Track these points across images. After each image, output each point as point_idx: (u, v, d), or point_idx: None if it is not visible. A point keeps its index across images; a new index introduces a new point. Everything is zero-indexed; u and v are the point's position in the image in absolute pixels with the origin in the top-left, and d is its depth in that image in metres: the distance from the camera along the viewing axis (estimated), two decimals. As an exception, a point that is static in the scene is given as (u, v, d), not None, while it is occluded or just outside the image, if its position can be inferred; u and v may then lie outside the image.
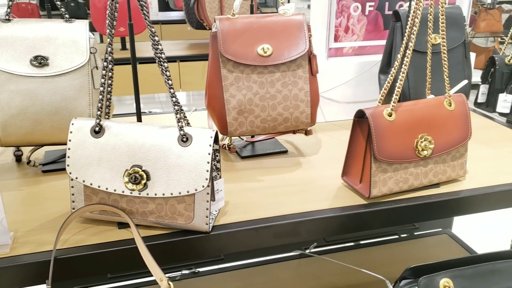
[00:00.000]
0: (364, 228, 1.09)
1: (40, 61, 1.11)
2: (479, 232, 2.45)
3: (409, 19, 1.10)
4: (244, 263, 1.69)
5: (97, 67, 1.17)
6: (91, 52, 1.15)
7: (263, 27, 1.21)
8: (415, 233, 1.96)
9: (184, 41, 3.33)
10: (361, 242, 1.88)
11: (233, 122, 1.23)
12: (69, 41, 1.14)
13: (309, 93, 1.24)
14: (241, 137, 1.39)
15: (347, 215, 1.06)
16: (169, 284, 0.87)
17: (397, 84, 1.08)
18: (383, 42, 1.53)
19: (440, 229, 1.97)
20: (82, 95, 1.15)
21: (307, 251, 1.71)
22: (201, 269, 1.61)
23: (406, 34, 1.10)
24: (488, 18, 5.00)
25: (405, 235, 1.95)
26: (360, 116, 1.08)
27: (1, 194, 0.88)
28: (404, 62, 1.09)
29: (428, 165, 1.12)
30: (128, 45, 2.99)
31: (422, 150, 1.09)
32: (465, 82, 1.28)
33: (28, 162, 1.24)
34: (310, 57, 1.24)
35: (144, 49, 2.74)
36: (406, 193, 1.12)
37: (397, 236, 1.93)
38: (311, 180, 1.19)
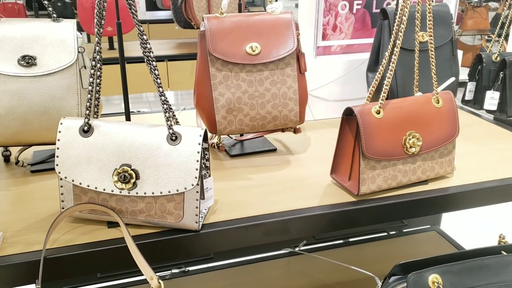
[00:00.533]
0: (353, 225, 1.10)
1: (28, 60, 1.11)
2: (467, 228, 2.48)
3: (397, 16, 1.11)
4: (234, 262, 1.69)
5: (85, 67, 1.16)
6: (79, 52, 1.14)
7: (251, 25, 1.22)
8: (404, 230, 1.98)
9: (172, 41, 3.32)
10: (350, 239, 1.89)
11: (222, 121, 1.23)
12: (57, 41, 1.13)
13: (298, 91, 1.25)
14: (230, 135, 1.40)
15: (336, 213, 1.07)
16: (159, 283, 0.87)
17: (385, 82, 1.09)
18: (370, 40, 1.55)
19: (429, 226, 1.99)
20: (70, 95, 1.15)
21: (297, 249, 1.72)
22: (191, 268, 1.61)
23: (393, 32, 1.11)
24: (475, 16, 5.06)
25: (394, 232, 1.97)
26: (348, 114, 1.09)
27: (-11, 195, 0.88)
28: (392, 59, 1.10)
29: (416, 162, 1.13)
30: (115, 45, 2.98)
31: (410, 147, 1.10)
32: (452, 79, 1.30)
33: (17, 162, 1.23)
34: (298, 56, 1.24)
35: (132, 48, 2.72)
36: (395, 190, 1.13)
37: (386, 234, 1.95)
38: (300, 178, 1.20)
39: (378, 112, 1.08)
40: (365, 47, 1.64)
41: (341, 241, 1.87)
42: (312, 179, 1.19)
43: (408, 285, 0.96)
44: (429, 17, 1.14)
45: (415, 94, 1.21)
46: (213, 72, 1.20)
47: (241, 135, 1.41)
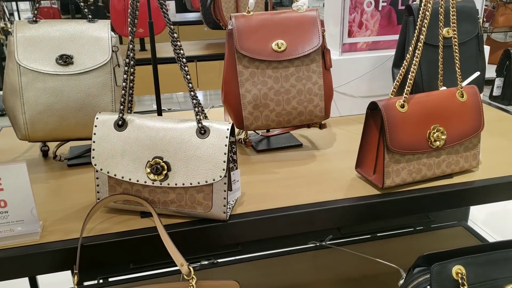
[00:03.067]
0: (377, 217, 1.12)
1: (65, 59, 1.17)
2: (494, 224, 2.44)
3: (420, 12, 1.12)
4: (260, 254, 1.73)
5: (118, 65, 1.22)
6: (113, 51, 1.20)
7: (277, 23, 1.25)
8: (431, 226, 1.97)
9: (201, 42, 3.38)
10: (377, 234, 1.90)
11: (249, 117, 1.26)
12: (93, 40, 1.19)
13: (323, 87, 1.27)
14: (256, 131, 1.43)
15: (361, 205, 1.09)
16: (189, 269, 0.91)
17: (409, 76, 1.10)
18: (396, 37, 1.56)
19: (456, 222, 1.98)
20: (105, 92, 1.20)
21: (323, 242, 1.74)
22: (219, 260, 1.66)
23: (417, 27, 1.13)
24: (507, 12, 4.94)
25: (420, 227, 1.96)
26: (373, 108, 1.11)
27: (31, 186, 0.94)
28: (416, 54, 1.12)
29: (441, 156, 1.14)
30: (147, 46, 3.06)
31: (435, 141, 1.11)
32: (477, 74, 1.30)
33: (54, 157, 1.30)
34: (323, 52, 1.27)
35: (162, 49, 2.79)
36: (419, 183, 1.14)
37: (412, 229, 1.95)
38: (326, 172, 1.22)
39: (402, 106, 1.09)
40: (391, 43, 1.65)
41: (367, 236, 1.88)
42: (337, 173, 1.22)
43: (432, 276, 0.98)
44: (452, 13, 1.14)
45: (439, 88, 1.22)
46: (240, 69, 1.24)
47: (268, 130, 1.44)
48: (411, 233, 1.91)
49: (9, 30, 3.90)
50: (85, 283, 1.73)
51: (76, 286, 0.88)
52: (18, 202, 0.94)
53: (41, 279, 1.74)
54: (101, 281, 1.72)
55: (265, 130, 1.43)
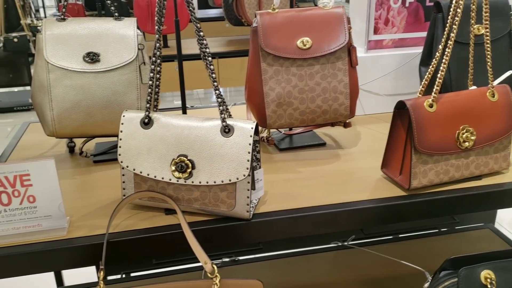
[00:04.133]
0: (403, 219, 1.10)
1: (92, 57, 1.18)
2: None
3: (451, 9, 1.09)
4: (282, 253, 1.72)
5: (144, 63, 1.23)
6: (138, 49, 1.20)
7: (303, 20, 1.24)
8: (456, 228, 1.94)
9: (223, 38, 3.38)
10: (400, 235, 1.87)
11: (272, 115, 1.26)
12: (119, 38, 1.20)
13: (349, 85, 1.26)
14: (279, 129, 1.42)
15: (386, 206, 1.07)
16: (213, 267, 0.91)
17: (438, 75, 1.08)
18: (424, 34, 1.53)
19: (482, 224, 1.94)
20: (130, 90, 1.21)
21: (346, 243, 1.73)
22: (241, 258, 1.66)
23: (447, 25, 1.10)
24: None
25: (445, 229, 1.93)
26: (400, 108, 1.09)
27: (59, 182, 0.95)
28: (446, 53, 1.09)
29: (469, 157, 1.12)
30: (169, 43, 3.08)
31: (464, 141, 1.09)
32: (509, 72, 1.26)
33: (81, 153, 1.31)
34: (349, 49, 1.25)
35: (184, 46, 2.80)
36: (447, 185, 1.12)
37: (436, 230, 1.91)
38: (350, 172, 1.21)
39: (431, 106, 1.07)
40: (418, 41, 1.62)
41: (390, 237, 1.86)
42: (362, 173, 1.20)
43: (459, 280, 0.96)
44: (485, 9, 1.11)
45: (469, 88, 1.19)
46: (264, 67, 1.24)
47: (290, 129, 1.43)
48: (436, 234, 1.88)
49: (36, 26, 3.98)
50: (109, 277, 1.75)
51: (102, 282, 0.89)
52: (46, 198, 0.95)
53: (65, 272, 1.77)
54: (124, 276, 1.74)
55: (288, 129, 1.42)
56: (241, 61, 3.01)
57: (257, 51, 1.24)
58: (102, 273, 0.89)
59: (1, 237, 0.95)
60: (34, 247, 0.93)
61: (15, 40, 3.85)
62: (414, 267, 1.33)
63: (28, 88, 4.78)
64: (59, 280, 1.75)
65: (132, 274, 1.75)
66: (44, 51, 1.17)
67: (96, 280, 1.57)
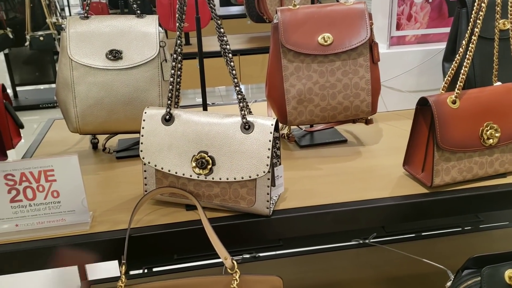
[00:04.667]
0: (425, 217, 1.09)
1: (115, 54, 1.20)
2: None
3: (475, 3, 1.07)
4: (302, 250, 1.72)
5: (166, 60, 1.24)
6: (160, 46, 1.21)
7: (324, 16, 1.23)
8: (480, 226, 1.90)
9: (244, 35, 3.39)
10: (422, 233, 1.85)
11: (293, 112, 1.25)
12: (141, 35, 1.22)
13: (370, 82, 1.24)
14: (300, 126, 1.42)
15: (408, 204, 1.06)
16: (233, 263, 0.92)
17: (462, 71, 1.06)
18: (447, 30, 1.50)
19: (507, 223, 1.89)
20: (152, 87, 1.23)
21: (367, 240, 1.71)
22: (261, 254, 1.66)
23: (471, 20, 1.08)
24: None
25: (468, 227, 1.89)
26: (423, 104, 1.07)
27: (82, 178, 0.97)
28: (469, 48, 1.07)
29: (493, 154, 1.09)
30: (191, 40, 3.10)
31: (488, 138, 1.07)
32: (536, 68, 1.23)
33: (104, 149, 1.34)
34: (371, 45, 1.24)
35: (204, 43, 2.82)
36: (470, 182, 1.10)
37: (460, 229, 1.88)
38: (371, 169, 1.20)
39: (454, 102, 1.05)
40: (441, 36, 1.59)
41: (412, 235, 1.84)
42: (383, 170, 1.19)
43: (483, 279, 0.94)
44: (510, 3, 1.09)
45: (494, 84, 1.17)
46: (284, 63, 1.23)
47: (311, 126, 1.43)
48: (459, 233, 1.85)
49: (61, 25, 4.05)
50: (131, 272, 1.78)
51: (123, 276, 0.90)
52: (70, 193, 0.97)
53: (89, 266, 1.81)
54: (146, 271, 1.76)
55: (309, 125, 1.42)
56: (262, 58, 3.01)
57: (277, 48, 1.24)
58: (124, 267, 0.91)
59: (26, 231, 0.97)
60: (58, 241, 0.95)
61: (41, 38, 3.93)
62: (436, 266, 1.31)
63: (53, 85, 4.87)
64: (82, 274, 1.79)
65: (154, 269, 1.78)
66: (68, 48, 1.20)
67: (117, 275, 1.59)
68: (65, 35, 1.21)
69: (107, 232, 0.98)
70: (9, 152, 1.26)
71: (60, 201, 0.97)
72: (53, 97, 4.84)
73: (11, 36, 4.19)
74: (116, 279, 1.68)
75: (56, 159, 0.95)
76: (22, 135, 1.37)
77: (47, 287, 2.11)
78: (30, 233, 0.97)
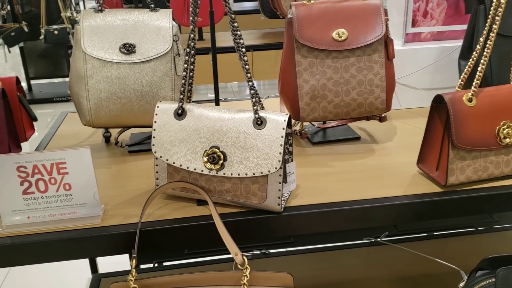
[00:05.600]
0: (439, 216, 1.07)
1: (128, 48, 1.20)
2: None
3: (494, 0, 1.05)
4: (313, 247, 1.71)
5: (179, 54, 1.23)
6: (173, 40, 1.21)
7: (339, 11, 1.22)
8: (494, 226, 1.87)
9: (258, 31, 3.38)
10: (435, 233, 1.83)
11: (306, 108, 1.24)
12: (154, 29, 1.21)
13: (385, 78, 1.23)
14: (312, 123, 1.41)
15: (422, 202, 1.04)
16: (243, 259, 0.91)
17: (479, 69, 1.04)
18: (464, 27, 1.47)
19: (523, 224, 1.87)
20: (165, 81, 1.22)
21: (379, 239, 1.70)
22: (271, 251, 1.66)
23: (489, 17, 1.06)
24: None
25: (482, 227, 1.87)
26: (438, 102, 1.06)
27: (94, 171, 0.97)
28: (487, 45, 1.05)
29: (510, 154, 1.07)
30: (204, 36, 3.09)
31: (504, 137, 1.05)
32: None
33: (116, 143, 1.34)
34: (386, 42, 1.22)
35: (219, 39, 2.81)
36: (485, 181, 1.08)
37: (473, 229, 1.86)
38: (385, 167, 1.19)
39: (470, 100, 1.03)
40: (458, 34, 1.56)
41: (424, 234, 1.82)
42: (397, 168, 1.17)
43: (497, 280, 0.92)
44: (531, -1, 1.06)
45: (511, 82, 1.14)
46: (298, 59, 1.22)
47: (324, 122, 1.42)
48: (472, 233, 1.82)
49: (76, 19, 4.08)
50: (141, 266, 1.79)
51: (134, 269, 0.90)
52: (82, 186, 0.97)
53: (100, 259, 1.82)
54: (156, 265, 1.77)
55: (321, 122, 1.41)
56: (275, 54, 3.00)
57: (291, 43, 1.23)
58: (134, 261, 0.91)
59: (38, 223, 0.98)
60: (69, 234, 0.96)
61: (56, 32, 3.96)
62: (449, 266, 1.29)
63: (67, 79, 4.91)
64: (93, 267, 1.80)
65: (164, 264, 1.78)
66: (82, 42, 1.20)
67: (127, 268, 1.59)
68: (79, 28, 1.21)
69: (118, 225, 0.98)
70: (22, 145, 1.27)
71: (72, 194, 0.97)
72: (67, 90, 4.87)
73: (26, 30, 4.23)
74: (126, 272, 1.69)
75: (69, 151, 0.95)
76: (35, 128, 1.38)
77: (58, 280, 2.14)
78: (42, 225, 0.97)
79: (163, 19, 1.22)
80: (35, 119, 1.39)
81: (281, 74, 1.28)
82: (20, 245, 0.93)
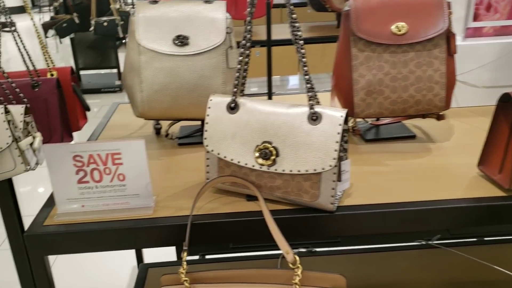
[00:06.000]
0: (500, 221, 1.01)
1: (182, 40, 1.19)
2: None
3: None
4: (361, 248, 1.66)
5: (231, 47, 1.22)
6: (227, 32, 1.20)
7: (399, 4, 1.17)
8: (556, 234, 1.77)
9: (304, 24, 3.33)
10: (490, 237, 1.74)
11: (360, 103, 1.20)
12: (208, 21, 1.20)
13: (445, 75, 1.17)
14: (366, 119, 1.36)
15: (483, 206, 0.99)
16: (295, 258, 0.89)
17: (552, 66, 0.97)
18: (531, 21, 1.39)
19: None
20: (217, 74, 1.21)
21: (430, 242, 1.64)
22: (317, 249, 1.63)
23: None
24: None
25: (542, 235, 1.77)
26: (505, 101, 0.99)
27: (148, 162, 0.97)
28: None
29: None
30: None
31: None
32: None
33: (166, 135, 1.34)
34: (448, 36, 1.16)
35: (259, 32, 2.79)
36: (555, 187, 1.01)
37: (532, 236, 1.76)
38: (442, 168, 1.13)
39: (541, 100, 0.96)
40: (523, 28, 1.48)
41: (479, 239, 1.74)
42: (455, 169, 1.12)
43: None
44: None
45: None
46: (354, 52, 1.18)
47: (377, 119, 1.37)
48: (530, 240, 1.73)
49: (125, 11, 4.15)
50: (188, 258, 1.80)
51: (185, 262, 0.90)
52: (135, 177, 0.98)
53: (145, 249, 1.84)
54: (201, 257, 1.78)
55: (375, 119, 1.36)
56: (322, 48, 2.95)
57: (347, 36, 1.19)
58: (185, 254, 0.90)
59: (92, 212, 0.99)
60: (123, 224, 0.96)
61: (105, 24, 4.05)
62: (504, 272, 1.23)
63: (114, 70, 5.03)
64: (139, 256, 1.83)
65: (208, 256, 1.79)
66: (136, 33, 1.20)
67: (172, 259, 1.61)
68: (134, 19, 1.22)
69: (169, 217, 0.98)
70: (74, 134, 1.30)
71: (126, 185, 0.98)
72: (114, 81, 5.00)
73: (77, 21, 4.35)
74: (172, 263, 1.71)
75: (124, 143, 0.95)
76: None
77: (102, 267, 2.19)
78: (95, 214, 0.98)
79: (217, 10, 1.21)
80: (88, 109, 1.41)
81: (335, 67, 1.24)
82: (74, 233, 0.95)
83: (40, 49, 1.39)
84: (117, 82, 4.97)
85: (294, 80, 5.02)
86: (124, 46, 5.73)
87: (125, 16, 4.07)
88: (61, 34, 4.31)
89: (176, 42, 1.19)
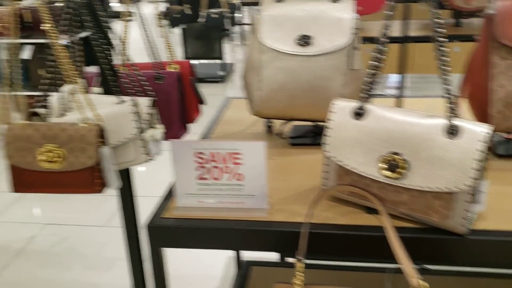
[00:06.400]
0: None
1: (305, 40, 1.15)
2: None
3: None
4: (477, 271, 1.52)
5: (354, 47, 1.16)
6: (354, 33, 1.14)
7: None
8: None
9: (415, 21, 3.14)
10: None
11: (497, 116, 1.08)
12: (334, 21, 1.15)
13: None
14: (499, 132, 1.23)
15: None
16: (419, 283, 0.82)
17: None
18: None
19: None
20: (336, 75, 1.16)
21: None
22: (429, 267, 1.52)
23: None
24: None
25: None
26: None
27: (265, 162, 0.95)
28: None
29: None
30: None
31: None
32: None
33: (278, 134, 1.32)
34: None
35: (373, 28, 2.67)
36: None
37: None
38: None
39: None
40: None
41: None
42: None
43: None
44: None
45: None
46: (494, 60, 1.06)
47: (509, 132, 1.23)
48: None
49: (233, 4, 4.23)
50: (288, 259, 1.77)
51: (301, 273, 0.87)
52: (253, 178, 0.96)
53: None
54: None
55: (508, 132, 1.22)
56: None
57: (487, 42, 1.07)
58: (302, 265, 0.87)
59: (208, 209, 0.99)
60: (238, 225, 0.95)
61: (215, 16, 4.15)
62: None
63: (218, 62, 5.16)
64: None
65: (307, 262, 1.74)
66: (260, 31, 1.18)
67: (269, 258, 1.57)
68: (259, 17, 1.20)
69: (284, 223, 0.96)
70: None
71: (244, 185, 0.97)
72: (216, 72, 5.13)
73: (189, 13, 4.51)
74: (272, 264, 1.69)
75: (245, 143, 0.94)
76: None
77: (199, 255, 2.25)
78: (212, 211, 0.99)
79: (344, 10, 1.15)
80: (204, 103, 1.43)
81: (468, 74, 1.13)
82: (193, 228, 0.96)
83: (160, 40, 1.43)
84: (220, 73, 5.09)
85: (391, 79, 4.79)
86: (227, 38, 5.84)
87: (233, 9, 4.14)
88: (173, 24, 4.51)
89: (299, 42, 1.16)
